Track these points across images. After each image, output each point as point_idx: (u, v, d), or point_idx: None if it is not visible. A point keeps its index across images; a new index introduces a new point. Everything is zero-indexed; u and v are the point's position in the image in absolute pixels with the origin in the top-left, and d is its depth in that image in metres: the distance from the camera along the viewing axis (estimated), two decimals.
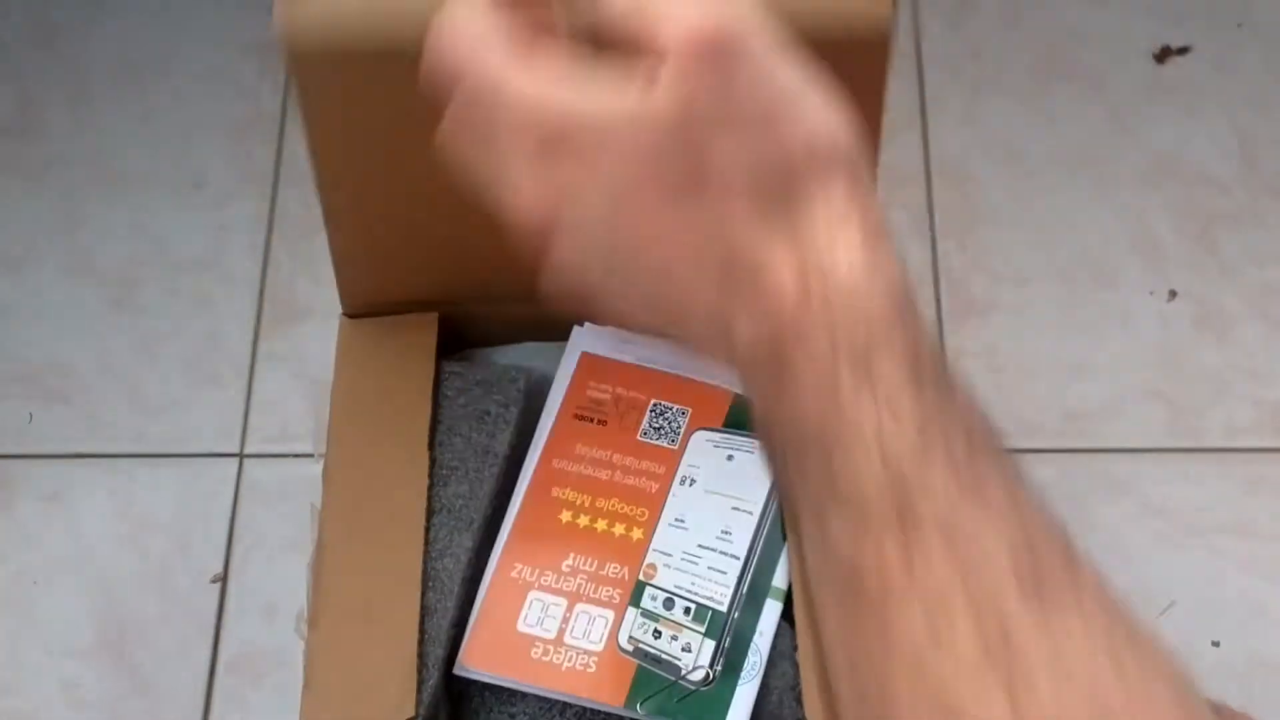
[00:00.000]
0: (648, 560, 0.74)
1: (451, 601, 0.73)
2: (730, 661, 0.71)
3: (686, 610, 0.72)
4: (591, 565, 0.74)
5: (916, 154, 1.15)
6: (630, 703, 0.70)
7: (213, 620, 1.00)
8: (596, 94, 0.45)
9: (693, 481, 0.76)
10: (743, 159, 0.44)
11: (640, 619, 0.72)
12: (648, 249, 0.46)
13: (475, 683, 0.73)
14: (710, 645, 0.71)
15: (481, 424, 0.78)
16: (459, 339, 0.84)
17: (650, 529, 0.75)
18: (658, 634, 0.72)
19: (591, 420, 0.79)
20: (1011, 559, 0.42)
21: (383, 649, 0.72)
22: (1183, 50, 1.19)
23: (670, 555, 0.74)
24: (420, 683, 0.71)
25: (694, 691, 0.71)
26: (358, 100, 0.83)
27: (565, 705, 0.72)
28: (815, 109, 0.45)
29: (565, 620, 0.73)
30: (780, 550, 0.74)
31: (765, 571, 0.73)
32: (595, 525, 0.75)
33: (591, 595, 0.73)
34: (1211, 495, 1.02)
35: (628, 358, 0.81)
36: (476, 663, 0.72)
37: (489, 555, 0.76)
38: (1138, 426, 1.05)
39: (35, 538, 1.04)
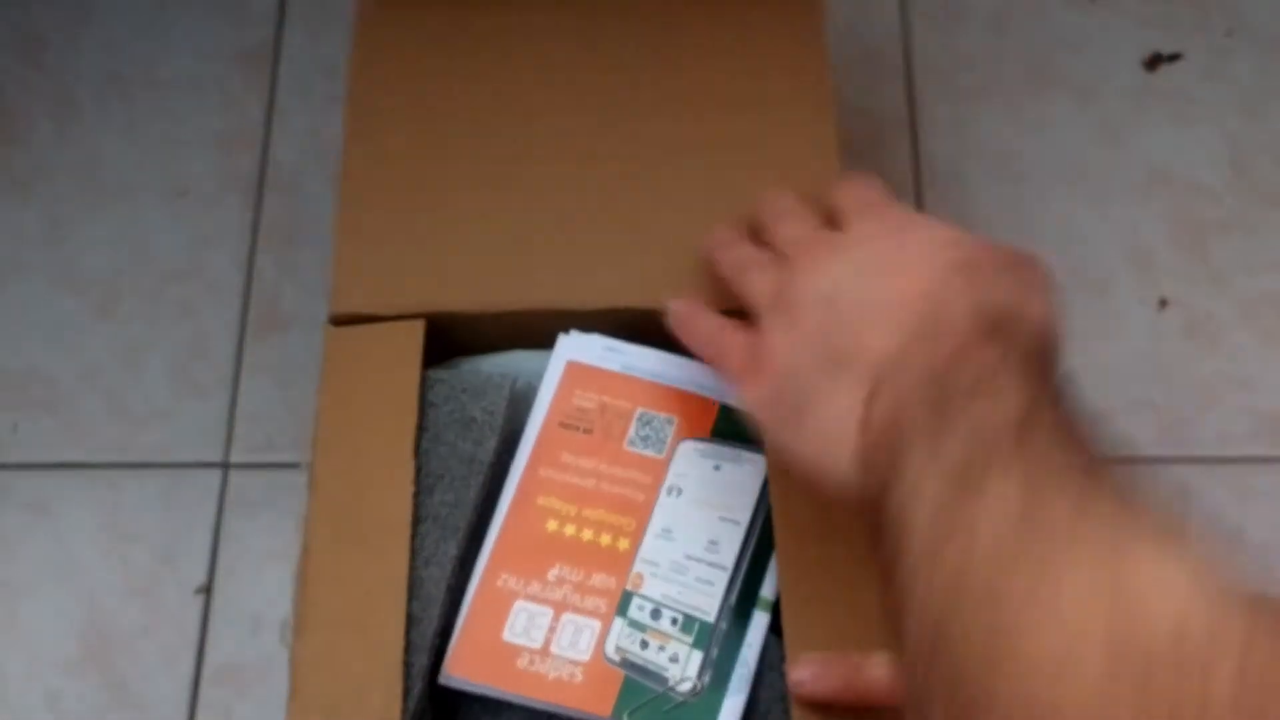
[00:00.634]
0: (635, 570, 0.74)
1: (436, 610, 0.73)
2: (718, 673, 0.71)
3: (674, 621, 0.72)
4: (578, 575, 0.74)
5: (906, 162, 1.15)
6: (617, 713, 0.70)
7: (197, 631, 1.00)
8: None
9: (680, 491, 0.76)
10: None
11: (627, 629, 0.72)
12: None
13: (461, 693, 0.73)
14: (698, 656, 0.71)
15: (467, 431, 0.78)
16: (447, 347, 0.84)
17: (637, 539, 0.74)
18: (645, 644, 0.71)
19: (577, 429, 0.78)
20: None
21: (368, 658, 0.71)
22: (1173, 58, 1.19)
23: (657, 565, 0.73)
24: (405, 692, 0.71)
25: (681, 703, 0.70)
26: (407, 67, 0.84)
27: (552, 716, 0.71)
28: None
29: (552, 630, 0.72)
30: (769, 561, 0.74)
31: (753, 583, 0.73)
32: (581, 535, 0.75)
33: (578, 605, 0.73)
34: (1203, 506, 1.02)
35: (614, 366, 0.80)
36: (462, 672, 0.72)
37: (475, 563, 0.76)
38: (1129, 435, 1.04)
39: (18, 548, 1.03)
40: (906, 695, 0.53)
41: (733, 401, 0.78)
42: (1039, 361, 0.60)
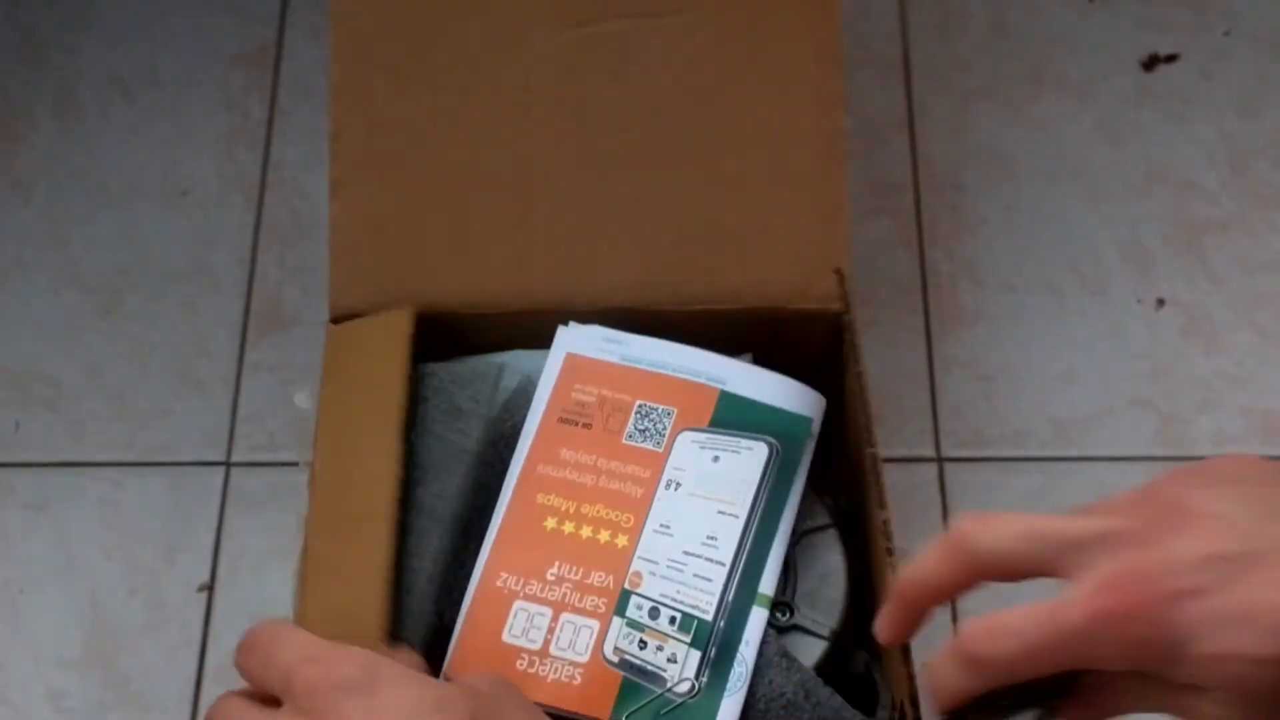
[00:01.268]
0: (633, 568, 0.74)
1: (429, 605, 0.73)
2: (716, 672, 0.71)
3: (672, 620, 0.72)
4: (576, 574, 0.74)
5: (904, 162, 1.15)
6: (616, 715, 0.70)
7: (199, 628, 1.00)
8: None
9: (678, 485, 0.76)
10: None
11: (625, 629, 0.72)
12: None
13: None
14: (696, 656, 0.71)
15: (455, 421, 0.78)
16: (447, 345, 0.85)
17: (635, 535, 0.74)
18: (643, 644, 0.71)
19: (576, 423, 0.78)
20: None
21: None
22: (1170, 58, 1.19)
23: (656, 563, 0.73)
24: None
25: (680, 703, 0.70)
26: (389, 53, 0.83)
27: (552, 717, 0.71)
28: None
29: (551, 631, 0.72)
30: (767, 555, 0.74)
31: (751, 578, 0.73)
32: (580, 532, 0.75)
33: (577, 604, 0.73)
34: None
35: (613, 358, 0.80)
36: (462, 673, 0.72)
37: (464, 555, 0.76)
38: (1126, 435, 1.05)
39: (21, 546, 1.03)
40: None
41: (732, 388, 0.78)
42: None
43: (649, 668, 0.71)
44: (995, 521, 0.60)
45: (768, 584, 0.73)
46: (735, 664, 0.71)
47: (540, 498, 0.76)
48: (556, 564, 0.74)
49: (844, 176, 0.83)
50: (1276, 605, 0.52)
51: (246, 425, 1.07)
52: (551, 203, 0.84)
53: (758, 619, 0.72)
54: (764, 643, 0.72)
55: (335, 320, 0.83)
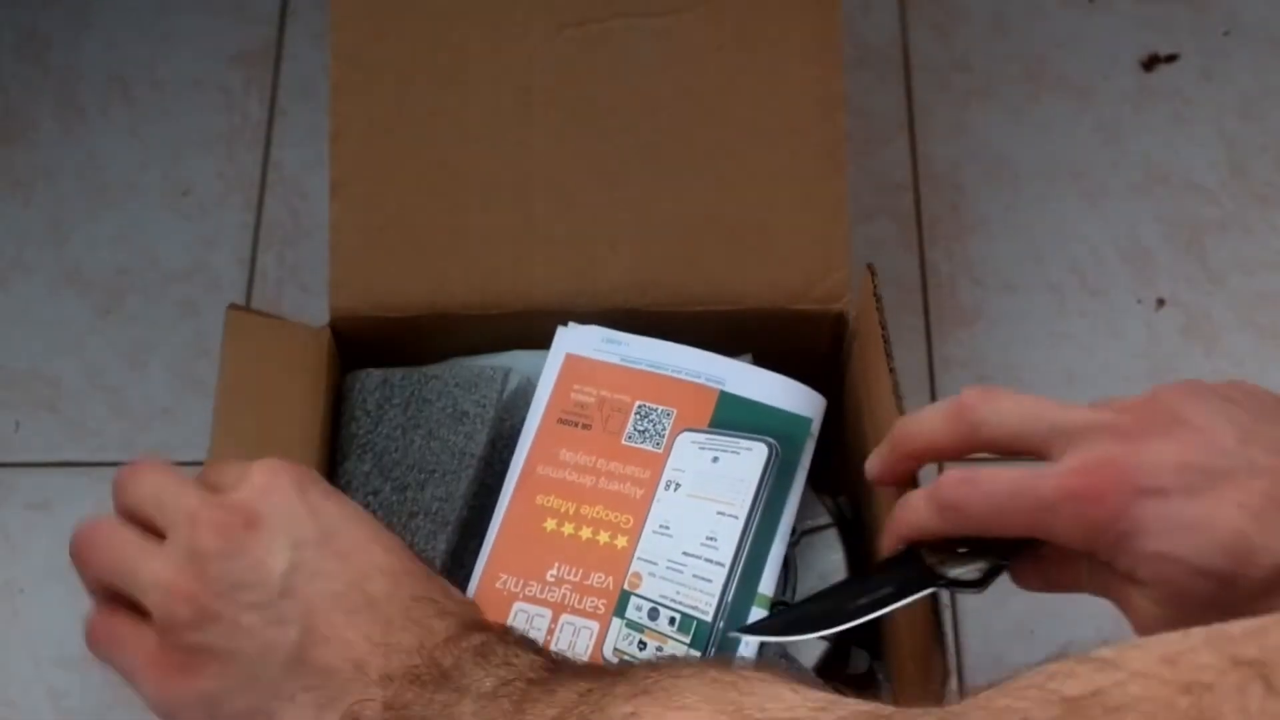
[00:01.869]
0: (632, 569, 0.74)
1: None
2: None
3: (671, 621, 0.72)
4: (576, 575, 0.74)
5: (904, 163, 1.15)
6: None
7: None
8: None
9: (677, 486, 0.76)
10: None
11: (625, 630, 0.72)
12: None
13: None
14: (695, 657, 0.71)
15: (459, 425, 0.78)
16: (446, 347, 0.85)
17: (635, 536, 0.74)
18: (643, 645, 0.72)
19: (575, 424, 0.78)
20: None
21: None
22: (1170, 58, 1.19)
23: (655, 564, 0.73)
24: None
25: None
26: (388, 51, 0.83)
27: None
28: None
29: (550, 632, 0.72)
30: (766, 556, 0.74)
31: (750, 579, 0.73)
32: (580, 533, 0.75)
33: (576, 606, 0.73)
34: None
35: (613, 358, 0.80)
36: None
37: (463, 555, 0.76)
38: None
39: (22, 546, 1.03)
40: None
41: (731, 389, 0.78)
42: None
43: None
44: (1000, 397, 0.64)
45: (767, 584, 0.73)
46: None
47: (540, 499, 0.76)
48: (556, 565, 0.74)
49: (844, 177, 0.83)
50: (1230, 523, 0.56)
51: None
52: (551, 203, 0.84)
53: (757, 619, 0.72)
54: (763, 643, 0.72)
55: (337, 320, 0.83)
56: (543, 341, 0.82)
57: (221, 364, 0.79)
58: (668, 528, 0.74)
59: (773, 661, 0.72)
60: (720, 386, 0.78)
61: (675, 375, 0.79)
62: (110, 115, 1.20)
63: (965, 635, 0.98)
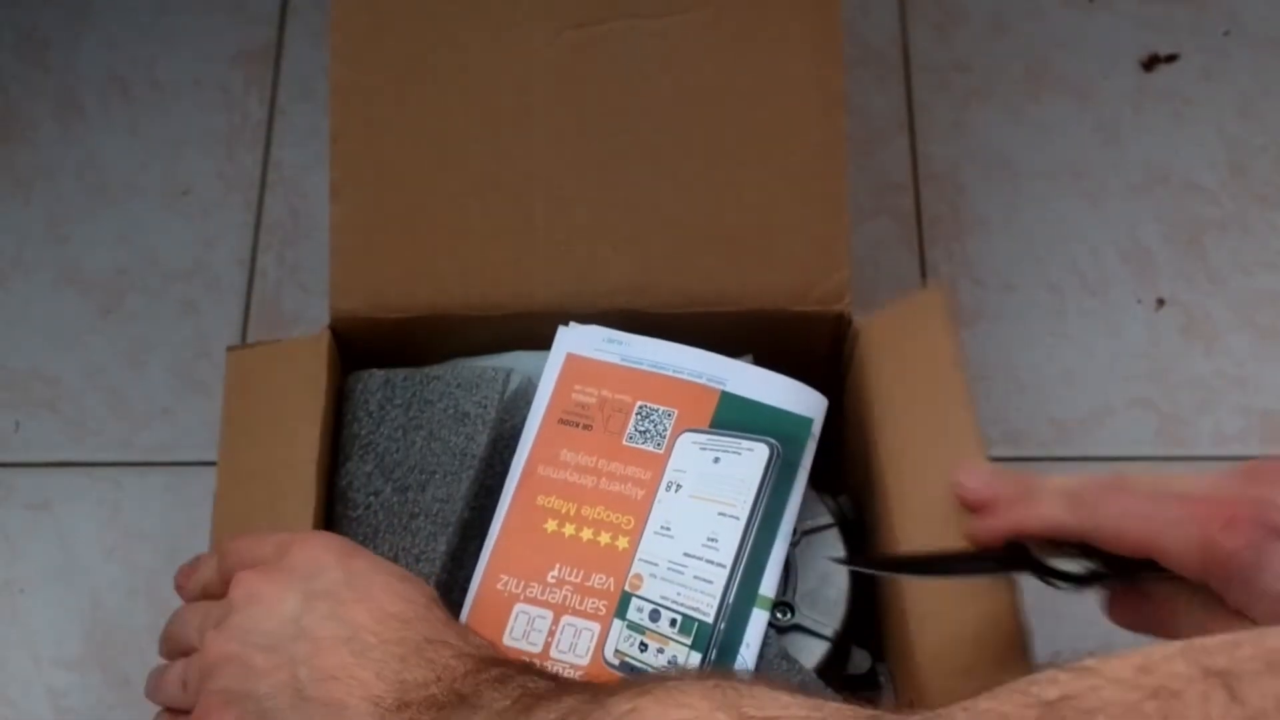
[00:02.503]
0: (633, 571, 0.74)
1: None
2: None
3: (672, 622, 0.72)
4: (577, 576, 0.74)
5: (904, 162, 1.15)
6: None
7: None
8: None
9: (679, 487, 0.76)
10: None
11: (626, 631, 0.72)
12: None
13: None
14: (696, 658, 0.71)
15: (461, 426, 0.78)
16: (446, 348, 0.85)
17: (636, 538, 0.74)
18: (644, 647, 0.71)
19: (576, 425, 0.78)
20: None
21: None
22: (1170, 58, 1.19)
23: (656, 565, 0.73)
24: None
25: None
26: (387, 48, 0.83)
27: None
28: None
29: (551, 634, 0.72)
30: (767, 557, 0.74)
31: (751, 580, 0.73)
32: (581, 534, 0.75)
33: (577, 607, 0.73)
34: None
35: (614, 358, 0.80)
36: None
37: (464, 556, 0.76)
38: (1126, 435, 1.05)
39: (22, 546, 1.03)
40: None
41: (733, 389, 0.78)
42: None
43: (650, 670, 0.71)
44: (1120, 497, 0.65)
45: (768, 586, 0.73)
46: (735, 666, 0.71)
47: (541, 500, 0.76)
48: (557, 566, 0.74)
49: (845, 177, 0.83)
50: None
51: None
52: (551, 204, 0.84)
53: (758, 621, 0.72)
54: (764, 644, 0.72)
55: (337, 320, 0.83)
56: (543, 342, 0.82)
57: (224, 400, 0.81)
58: (669, 529, 0.74)
59: (773, 662, 0.72)
60: (722, 387, 0.78)
61: (677, 375, 0.79)
62: (110, 115, 1.20)
63: None
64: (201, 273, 1.13)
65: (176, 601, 1.00)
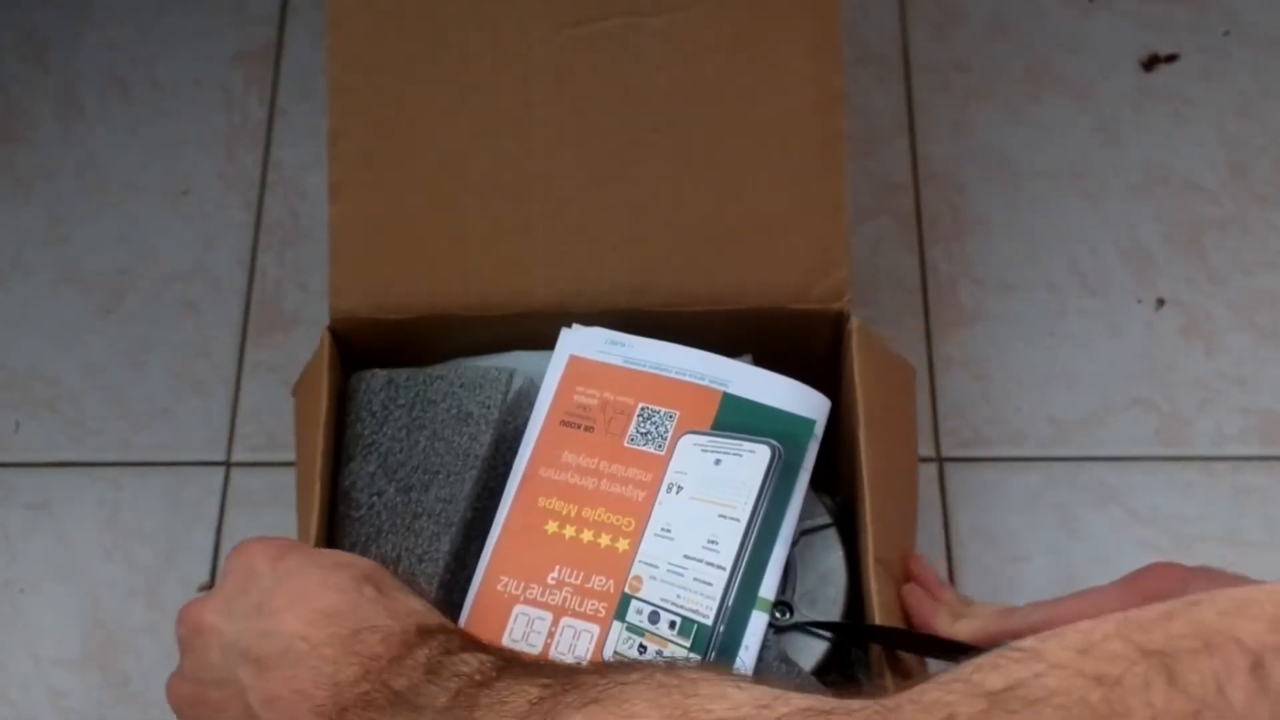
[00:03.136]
0: (633, 573, 0.74)
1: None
2: None
3: (671, 624, 0.72)
4: (577, 578, 0.74)
5: (904, 162, 1.15)
6: None
7: None
8: None
9: (679, 489, 0.76)
10: None
11: (625, 633, 0.72)
12: None
13: None
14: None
15: (464, 426, 0.78)
16: (446, 349, 0.85)
17: (636, 540, 0.74)
18: (643, 649, 0.71)
19: (578, 427, 0.78)
20: None
21: None
22: (1171, 58, 1.19)
23: (656, 567, 0.73)
24: None
25: None
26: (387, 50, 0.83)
27: None
28: None
29: (551, 635, 0.72)
30: (767, 559, 0.74)
31: (751, 582, 0.73)
32: (581, 536, 0.75)
33: (577, 609, 0.73)
34: (1199, 504, 1.02)
35: (616, 360, 0.80)
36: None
37: (465, 556, 0.76)
38: (1125, 435, 1.05)
39: (22, 546, 1.03)
40: None
41: (735, 390, 0.78)
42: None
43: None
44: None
45: (768, 588, 0.73)
46: (734, 669, 0.71)
47: (542, 501, 0.76)
48: (557, 568, 0.74)
49: (844, 176, 0.83)
50: None
51: (246, 425, 1.07)
52: (551, 204, 0.84)
53: (757, 623, 0.72)
54: (764, 647, 0.72)
55: (336, 322, 0.83)
56: (543, 342, 0.82)
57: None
58: (669, 531, 0.74)
59: (772, 665, 0.72)
60: (724, 388, 0.78)
61: (679, 377, 0.79)
62: (110, 115, 1.20)
63: None
64: (201, 273, 1.13)
65: (176, 601, 1.00)
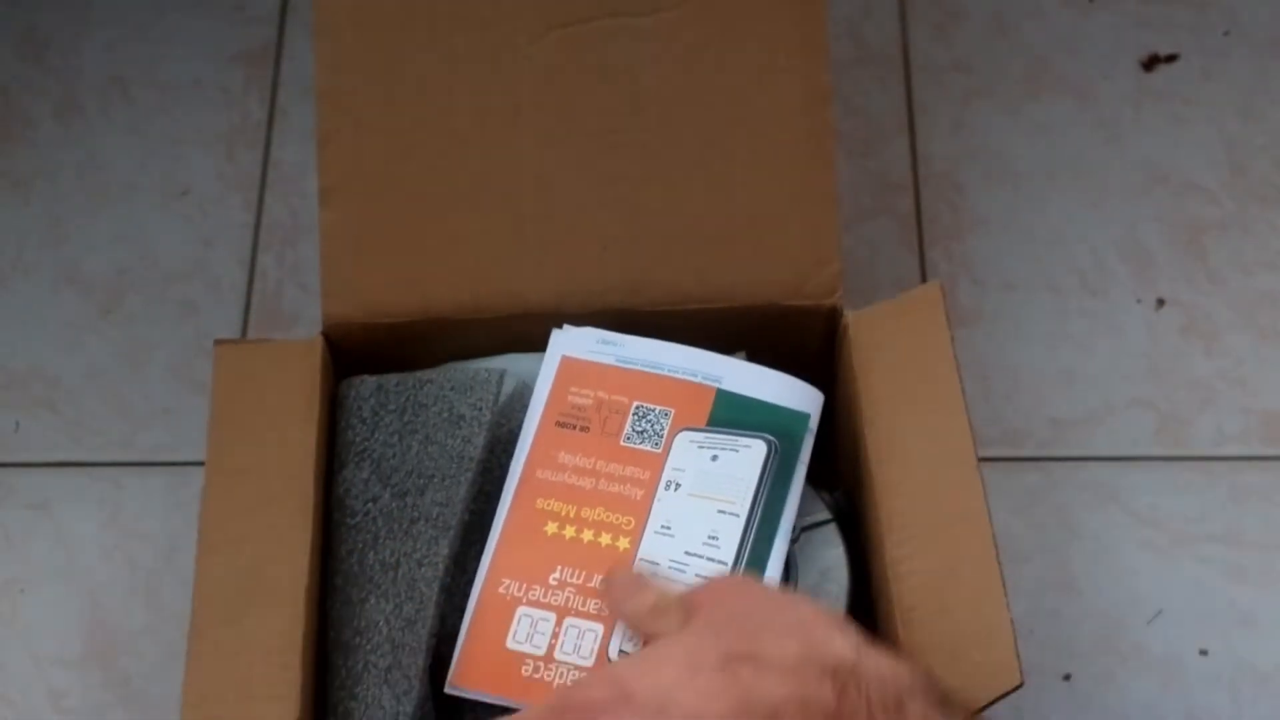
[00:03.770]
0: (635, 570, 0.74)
1: (430, 610, 0.73)
2: None
3: None
4: (579, 577, 0.74)
5: (904, 163, 1.15)
6: None
7: None
8: None
9: (677, 486, 0.76)
10: None
11: (629, 631, 0.72)
12: None
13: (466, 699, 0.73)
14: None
15: (456, 429, 0.78)
16: (440, 352, 0.85)
17: (637, 538, 0.74)
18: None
19: (574, 427, 0.78)
20: None
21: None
22: (1171, 58, 1.19)
23: (657, 564, 0.73)
24: (405, 692, 0.71)
25: None
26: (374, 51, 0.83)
27: None
28: None
29: (555, 636, 0.72)
30: (768, 554, 0.74)
31: (752, 576, 0.73)
32: (581, 536, 0.75)
33: (580, 609, 0.73)
34: (1199, 503, 1.02)
35: (609, 359, 0.80)
36: (466, 683, 0.72)
37: (465, 560, 0.76)
38: (1125, 435, 1.05)
39: (22, 546, 1.03)
40: None
41: (729, 387, 0.78)
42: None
43: None
44: None
45: (770, 582, 0.73)
46: None
47: (540, 502, 0.76)
48: (558, 569, 0.74)
49: (834, 172, 0.84)
50: None
51: None
52: (540, 204, 0.84)
53: None
54: None
55: (330, 327, 0.83)
56: (536, 344, 0.82)
57: (213, 395, 0.79)
58: (669, 528, 0.74)
59: None
60: (718, 385, 0.78)
61: (672, 375, 0.79)
62: (110, 115, 1.20)
63: None
64: (201, 273, 1.13)
65: (176, 601, 1.01)
